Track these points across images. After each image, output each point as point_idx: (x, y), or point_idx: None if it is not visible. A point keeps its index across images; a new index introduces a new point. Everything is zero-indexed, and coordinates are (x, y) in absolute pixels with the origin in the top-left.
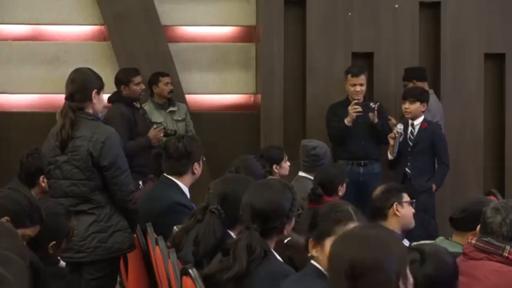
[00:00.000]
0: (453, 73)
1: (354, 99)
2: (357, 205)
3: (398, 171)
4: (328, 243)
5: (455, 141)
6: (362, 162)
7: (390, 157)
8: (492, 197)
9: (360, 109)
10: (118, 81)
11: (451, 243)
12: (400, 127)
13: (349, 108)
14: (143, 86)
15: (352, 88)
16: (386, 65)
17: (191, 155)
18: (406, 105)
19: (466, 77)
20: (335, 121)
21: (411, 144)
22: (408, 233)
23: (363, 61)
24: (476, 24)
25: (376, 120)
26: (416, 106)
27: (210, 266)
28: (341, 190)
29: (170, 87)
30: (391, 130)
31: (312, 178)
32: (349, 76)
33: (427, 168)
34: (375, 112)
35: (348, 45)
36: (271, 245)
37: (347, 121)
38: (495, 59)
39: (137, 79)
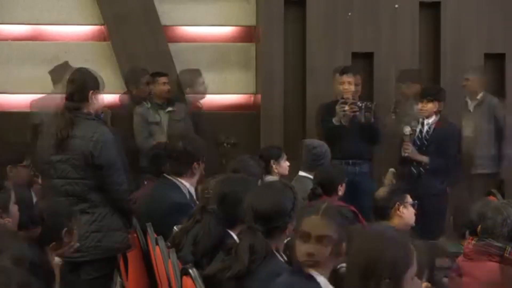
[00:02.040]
0: (453, 73)
1: (342, 98)
2: (350, 204)
3: (411, 170)
4: None
5: None
6: (355, 161)
7: (404, 154)
8: (492, 197)
9: (356, 108)
10: (127, 81)
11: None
12: (413, 124)
13: (337, 107)
14: (151, 85)
15: (340, 87)
16: (386, 65)
17: (191, 155)
18: (424, 103)
19: None
20: (328, 121)
21: (425, 143)
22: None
23: (363, 61)
24: (476, 24)
25: (372, 120)
26: (433, 105)
27: (211, 266)
28: (341, 190)
29: (167, 87)
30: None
31: (312, 177)
32: (337, 75)
33: (440, 168)
34: (372, 112)
35: (348, 45)
36: (275, 245)
37: (335, 120)
38: (495, 59)
39: (145, 78)
